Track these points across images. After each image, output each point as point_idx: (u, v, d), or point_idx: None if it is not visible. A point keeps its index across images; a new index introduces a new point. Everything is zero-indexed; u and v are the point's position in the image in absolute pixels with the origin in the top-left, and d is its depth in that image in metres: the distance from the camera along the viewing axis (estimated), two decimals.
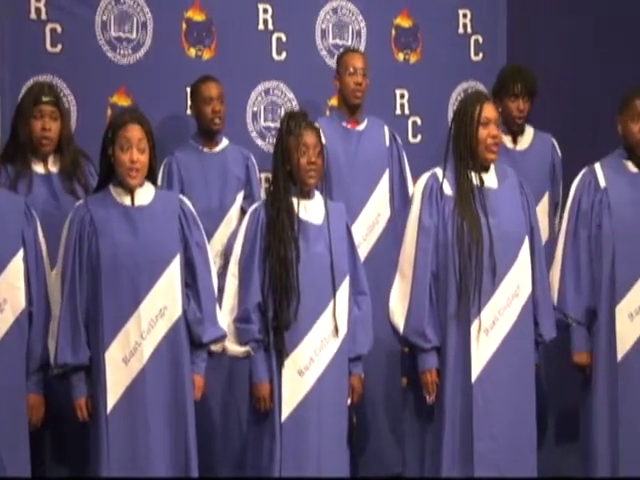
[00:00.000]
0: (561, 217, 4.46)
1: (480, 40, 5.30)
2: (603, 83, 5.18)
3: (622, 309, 3.94)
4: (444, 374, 3.72)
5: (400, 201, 4.63)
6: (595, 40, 5.36)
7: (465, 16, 5.28)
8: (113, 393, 3.47)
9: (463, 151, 3.74)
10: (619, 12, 5.40)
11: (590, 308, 4.00)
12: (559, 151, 4.76)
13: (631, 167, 4.05)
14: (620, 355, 3.94)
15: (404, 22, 5.19)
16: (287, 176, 3.70)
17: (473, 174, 3.75)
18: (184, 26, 4.80)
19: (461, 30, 5.28)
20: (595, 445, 3.96)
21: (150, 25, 4.73)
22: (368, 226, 4.62)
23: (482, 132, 3.72)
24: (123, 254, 3.48)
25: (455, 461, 3.71)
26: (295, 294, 3.62)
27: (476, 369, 3.69)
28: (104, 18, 4.66)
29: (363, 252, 4.53)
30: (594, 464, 3.97)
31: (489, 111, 3.73)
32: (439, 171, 3.79)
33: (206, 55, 4.83)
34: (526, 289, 3.76)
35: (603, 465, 3.95)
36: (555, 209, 4.75)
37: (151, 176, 3.58)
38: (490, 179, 3.80)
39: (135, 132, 3.50)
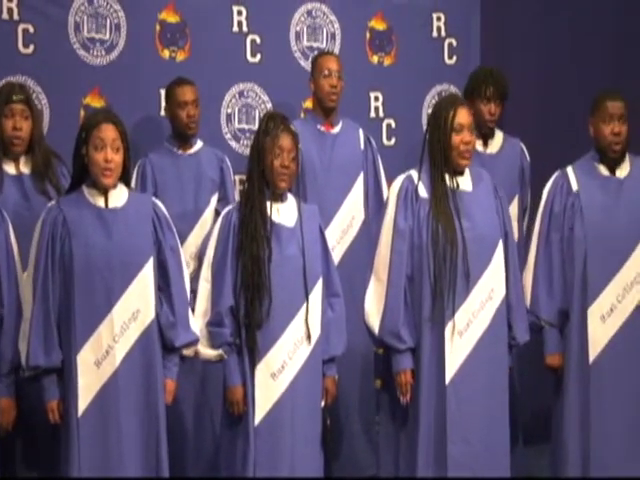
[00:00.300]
0: (529, 221, 4.50)
1: (454, 43, 5.32)
2: (575, 87, 5.21)
3: (594, 311, 3.97)
4: (418, 376, 3.73)
5: (375, 204, 4.63)
6: (567, 44, 5.39)
7: (439, 19, 5.29)
8: (84, 396, 3.45)
9: (437, 155, 3.75)
10: (591, 16, 5.43)
11: (562, 310, 4.03)
12: (527, 155, 4.79)
13: (603, 170, 4.08)
14: (592, 357, 3.97)
15: (378, 25, 5.20)
16: (261, 177, 3.69)
17: (448, 177, 3.76)
18: (158, 27, 4.78)
19: (435, 33, 5.29)
20: (566, 446, 3.98)
21: (124, 26, 4.71)
22: (342, 229, 4.63)
23: (455, 138, 3.73)
24: (96, 256, 3.46)
25: (429, 463, 3.72)
26: (267, 293, 3.61)
27: (450, 371, 3.71)
28: (77, 19, 4.64)
29: (337, 255, 4.53)
30: (565, 465, 3.99)
31: (462, 116, 3.74)
32: (414, 173, 3.80)
33: (180, 57, 4.82)
34: (500, 292, 3.78)
35: (573, 466, 3.98)
36: (523, 213, 4.78)
37: (125, 177, 3.57)
38: (465, 182, 3.82)
39: (109, 132, 3.48)
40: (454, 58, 5.32)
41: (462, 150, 3.73)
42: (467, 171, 3.83)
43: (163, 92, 4.68)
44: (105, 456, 3.46)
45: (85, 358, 3.46)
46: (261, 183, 3.69)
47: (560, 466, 4.03)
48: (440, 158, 3.74)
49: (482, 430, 3.72)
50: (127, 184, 3.60)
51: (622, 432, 3.96)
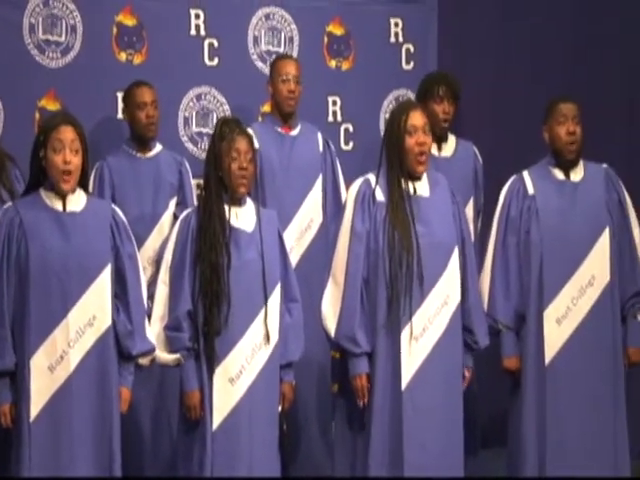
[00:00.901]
0: (482, 223, 4.53)
1: (411, 49, 5.34)
2: (530, 92, 5.27)
3: (550, 314, 4.01)
4: (373, 380, 3.74)
5: (333, 207, 4.64)
6: (523, 50, 5.44)
7: (397, 25, 5.31)
8: (37, 401, 3.41)
9: (393, 159, 3.77)
10: (547, 23, 5.49)
11: (519, 313, 4.06)
12: (480, 159, 4.84)
13: (558, 174, 4.13)
14: (548, 359, 4.01)
15: (336, 30, 5.21)
16: (219, 182, 3.68)
17: (405, 182, 3.78)
18: (115, 30, 4.75)
19: (393, 39, 5.32)
20: (523, 448, 4.01)
21: (80, 28, 4.67)
22: (301, 231, 4.63)
23: (409, 141, 3.75)
24: (53, 259, 3.43)
25: (384, 467, 3.72)
26: (226, 300, 3.60)
27: (406, 377, 3.72)
28: (32, 21, 4.59)
29: (295, 257, 4.54)
30: (522, 466, 4.02)
31: (416, 118, 3.76)
32: (372, 177, 3.82)
33: (137, 60, 4.79)
34: (455, 298, 3.80)
35: (530, 468, 4.00)
36: (477, 216, 4.82)
37: (83, 181, 3.53)
38: (422, 188, 3.83)
39: (68, 133, 3.45)
40: (411, 63, 5.34)
41: (417, 152, 3.74)
42: (425, 176, 3.84)
43: (120, 95, 4.65)
44: (56, 462, 3.42)
45: (39, 362, 3.42)
46: (219, 188, 3.68)
47: (517, 468, 4.05)
48: (396, 162, 3.76)
49: (438, 435, 3.74)
50: (85, 188, 3.57)
51: (578, 433, 4.00)
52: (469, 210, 4.71)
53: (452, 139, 4.79)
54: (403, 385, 3.71)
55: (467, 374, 3.86)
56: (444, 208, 3.84)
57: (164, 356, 3.65)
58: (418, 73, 5.21)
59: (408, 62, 5.35)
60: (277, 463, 3.73)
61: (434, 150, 4.69)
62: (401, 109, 3.82)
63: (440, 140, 4.73)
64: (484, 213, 4.78)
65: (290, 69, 4.64)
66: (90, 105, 4.57)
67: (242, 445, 3.63)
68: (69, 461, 3.43)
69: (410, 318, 3.70)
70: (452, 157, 4.75)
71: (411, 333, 3.71)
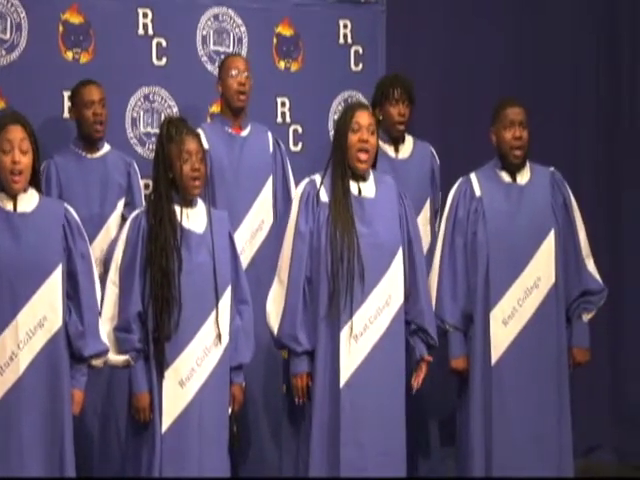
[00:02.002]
0: (439, 224, 4.57)
1: (360, 51, 5.36)
2: (479, 93, 5.32)
3: (496, 315, 4.07)
4: (314, 378, 3.77)
5: (283, 207, 4.63)
6: (473, 51, 5.49)
7: (346, 26, 5.33)
8: None
9: (338, 159, 3.81)
10: (494, 25, 5.55)
11: (466, 314, 4.11)
12: (437, 159, 4.87)
13: (504, 177, 4.18)
14: (494, 359, 4.06)
15: (285, 31, 5.20)
16: (169, 184, 3.66)
17: (351, 183, 3.81)
18: (61, 28, 4.69)
19: (342, 40, 5.33)
20: (471, 447, 4.06)
21: (25, 26, 4.61)
22: (251, 232, 4.62)
23: (352, 137, 3.78)
24: (3, 260, 3.37)
25: (323, 465, 3.74)
26: (177, 305, 3.59)
27: (345, 375, 3.75)
28: None
29: (246, 258, 4.53)
30: (470, 466, 4.06)
31: (360, 117, 3.80)
32: (317, 178, 3.85)
33: (84, 58, 4.74)
34: (398, 299, 3.82)
35: (477, 466, 4.05)
36: (435, 216, 4.85)
37: (35, 180, 3.48)
38: (368, 188, 3.86)
39: (17, 133, 3.40)
40: (360, 65, 5.36)
41: (357, 148, 3.77)
42: (371, 177, 3.87)
43: (66, 94, 4.60)
44: (6, 465, 3.37)
45: None
46: (169, 191, 3.65)
47: (465, 466, 4.09)
48: (341, 161, 3.80)
49: (375, 434, 3.76)
50: (37, 187, 3.52)
51: (523, 432, 4.04)
52: (426, 211, 4.75)
53: (409, 140, 4.81)
54: (342, 383, 3.74)
55: (424, 364, 3.87)
56: (389, 209, 3.87)
57: (113, 357, 3.62)
58: (367, 74, 5.24)
59: (357, 64, 5.37)
60: (227, 465, 3.72)
61: (391, 152, 4.74)
62: (347, 109, 3.89)
63: (397, 142, 4.75)
64: (442, 213, 4.81)
65: (239, 64, 4.63)
66: (36, 104, 4.51)
67: (191, 447, 3.61)
68: (19, 465, 3.38)
69: (351, 317, 3.74)
70: (409, 158, 4.77)
71: (351, 332, 3.74)
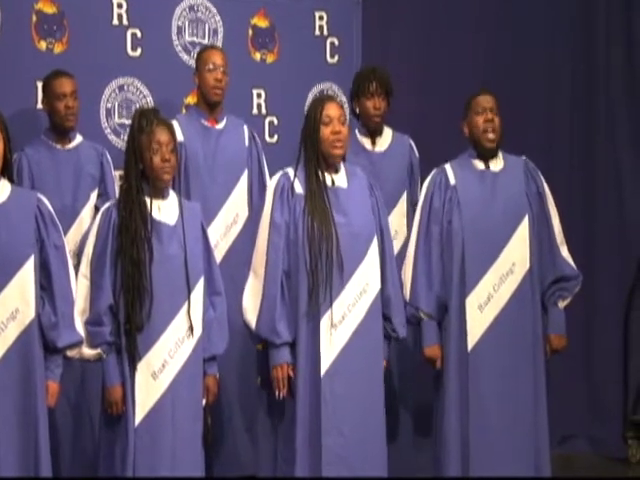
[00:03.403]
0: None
1: (336, 42, 5.36)
2: (454, 85, 5.33)
3: (472, 301, 4.08)
4: (296, 369, 3.77)
5: (259, 201, 4.61)
6: (448, 42, 5.50)
7: (321, 18, 5.32)
8: None
9: (311, 152, 3.82)
10: (472, 15, 5.56)
11: (441, 302, 4.12)
12: (416, 152, 4.88)
13: (479, 165, 4.20)
14: (470, 345, 4.07)
15: (261, 22, 5.19)
16: (140, 175, 3.64)
17: (323, 174, 3.83)
18: (34, 18, 4.66)
19: (317, 32, 5.33)
20: (447, 435, 4.06)
21: None
22: (226, 225, 4.61)
23: (324, 130, 3.80)
24: None
25: (306, 456, 3.75)
26: (148, 296, 3.58)
27: (325, 364, 3.76)
28: None
29: (221, 251, 4.52)
30: (445, 454, 4.06)
31: (330, 109, 3.82)
32: (291, 171, 3.86)
33: (57, 49, 4.71)
34: (375, 286, 3.84)
35: (454, 455, 4.05)
36: (413, 209, 4.85)
37: (6, 171, 3.46)
38: (340, 179, 3.88)
39: None
40: (336, 57, 5.36)
41: (332, 140, 3.79)
42: (342, 169, 3.90)
43: (40, 84, 4.56)
44: None
45: None
46: (139, 182, 3.64)
47: (441, 456, 4.09)
48: (313, 154, 3.81)
49: (356, 422, 3.78)
50: (9, 178, 3.49)
51: (499, 419, 4.05)
52: (403, 203, 4.75)
53: (388, 133, 4.80)
54: (322, 372, 3.74)
55: (384, 365, 3.90)
56: (362, 199, 3.89)
57: (85, 351, 3.60)
58: (342, 66, 5.24)
59: (332, 55, 5.37)
60: (201, 457, 3.71)
61: (368, 145, 4.74)
62: (316, 102, 3.90)
63: (374, 134, 4.75)
64: None
65: (216, 59, 4.61)
66: (9, 94, 4.48)
67: (165, 440, 3.60)
68: None
69: (330, 306, 3.75)
70: (387, 151, 4.76)
71: (331, 321, 3.75)
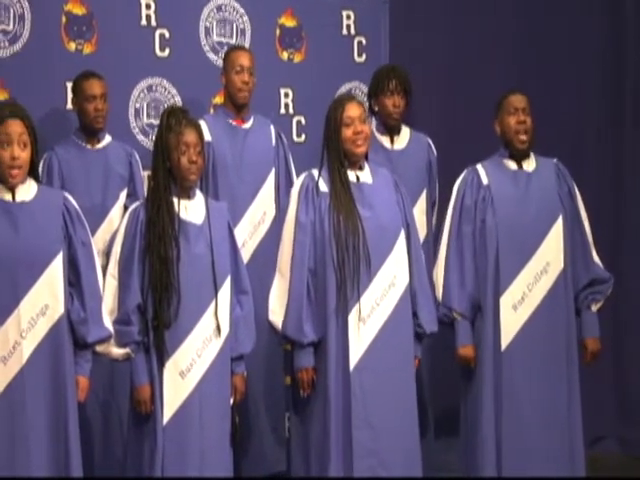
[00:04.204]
0: (438, 215, 4.57)
1: (363, 41, 5.36)
2: (482, 84, 5.31)
3: (506, 300, 4.06)
4: (326, 368, 3.77)
5: (286, 200, 4.61)
6: (476, 42, 5.48)
7: (349, 17, 5.33)
8: None
9: (334, 152, 3.84)
10: (499, 15, 5.53)
11: (474, 302, 4.10)
12: (435, 150, 4.87)
13: (511, 165, 4.18)
14: (504, 345, 4.05)
15: (288, 22, 5.20)
16: (167, 174, 3.66)
17: (349, 172, 3.85)
18: (64, 19, 4.69)
19: (345, 31, 5.33)
20: (482, 435, 4.03)
21: (28, 17, 4.60)
22: (254, 224, 4.62)
23: (346, 132, 3.82)
24: (3, 250, 3.38)
25: (339, 452, 3.75)
26: (176, 294, 3.59)
27: (354, 358, 3.76)
28: None
29: (249, 250, 4.54)
30: (482, 456, 4.04)
31: (351, 110, 3.83)
32: (315, 171, 3.89)
33: (87, 49, 4.73)
34: (403, 280, 3.84)
35: (488, 455, 4.03)
36: (432, 207, 4.85)
37: (33, 172, 3.49)
38: (365, 176, 3.90)
39: (15, 127, 3.40)
40: (363, 56, 5.36)
41: (354, 139, 3.81)
42: (367, 166, 3.91)
43: (69, 85, 4.59)
44: (11, 454, 3.38)
45: None
46: (167, 181, 3.65)
47: (475, 456, 4.07)
48: (336, 154, 3.83)
49: (386, 415, 3.78)
50: (36, 179, 3.52)
51: (534, 418, 4.03)
52: (422, 202, 4.75)
53: (406, 131, 4.81)
54: (351, 366, 3.75)
55: (415, 363, 3.89)
56: (387, 194, 3.90)
57: (114, 350, 3.62)
58: (370, 65, 5.23)
59: (360, 54, 5.36)
60: (229, 456, 3.72)
61: (387, 143, 4.74)
62: (336, 103, 3.91)
63: (393, 133, 4.75)
64: (439, 205, 4.81)
65: (244, 60, 4.62)
66: (39, 95, 4.50)
67: (193, 439, 3.61)
68: (24, 451, 3.39)
69: (358, 301, 3.75)
70: (405, 149, 4.77)
71: (359, 315, 3.75)
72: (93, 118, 4.43)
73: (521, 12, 5.57)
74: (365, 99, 4.95)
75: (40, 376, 3.42)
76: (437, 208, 4.83)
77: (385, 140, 4.74)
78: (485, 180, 4.14)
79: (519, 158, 4.16)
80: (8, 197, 3.45)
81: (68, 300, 3.48)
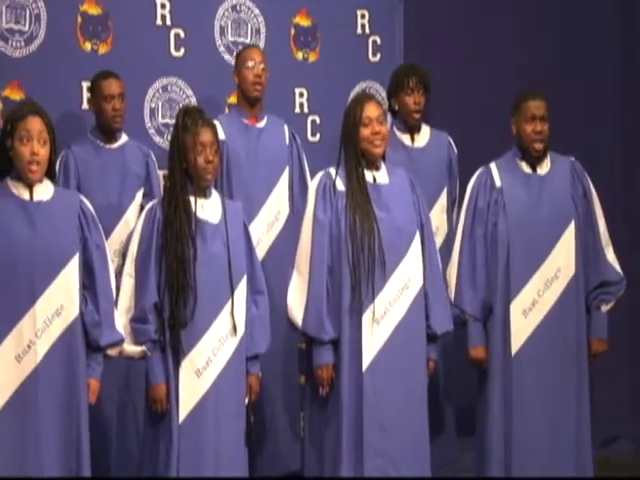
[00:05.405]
0: (458, 213, 4.57)
1: (378, 41, 5.36)
2: (497, 84, 5.30)
3: (516, 306, 4.06)
4: (340, 366, 3.78)
5: (300, 199, 4.63)
6: (490, 40, 5.47)
7: (363, 17, 5.32)
8: (3, 391, 3.38)
9: (351, 151, 3.84)
10: (515, 13, 5.52)
11: (486, 304, 4.10)
12: (455, 148, 4.86)
13: (524, 167, 4.17)
14: (514, 350, 4.05)
15: (303, 21, 5.20)
16: (183, 174, 3.67)
17: (365, 172, 3.85)
18: (79, 19, 4.70)
19: (359, 30, 5.32)
20: (490, 437, 4.04)
21: (44, 17, 4.61)
22: (268, 223, 4.62)
23: (364, 132, 3.82)
24: (20, 249, 3.39)
25: (351, 452, 3.76)
26: (192, 293, 3.59)
27: (367, 358, 3.77)
28: None
29: (263, 249, 4.54)
30: (488, 456, 4.05)
31: (370, 110, 3.83)
32: (332, 170, 3.89)
33: (102, 49, 4.74)
34: (417, 282, 3.85)
35: (496, 457, 4.03)
36: (452, 205, 4.84)
37: (50, 172, 3.50)
38: (381, 176, 3.90)
39: (35, 124, 3.42)
40: (378, 55, 5.36)
41: (372, 139, 3.81)
42: (383, 166, 3.91)
43: (85, 85, 4.60)
44: (22, 454, 3.40)
45: (5, 352, 3.39)
46: (183, 180, 3.66)
47: (484, 457, 4.08)
48: (354, 153, 3.83)
49: (397, 416, 3.78)
50: (52, 179, 3.53)
51: (542, 423, 4.03)
52: (443, 200, 4.74)
53: (426, 130, 4.81)
54: (364, 366, 3.76)
55: (430, 366, 3.89)
56: (404, 195, 3.90)
57: (130, 348, 3.63)
58: (385, 65, 5.23)
59: (375, 54, 5.36)
60: (244, 455, 3.73)
61: (407, 141, 4.74)
62: (355, 102, 3.90)
63: (413, 131, 4.75)
64: (460, 203, 4.80)
65: (255, 56, 4.63)
66: (54, 95, 4.50)
67: (209, 438, 3.62)
68: (35, 451, 3.40)
69: (372, 302, 3.76)
70: (426, 147, 4.77)
71: (373, 316, 3.75)
72: (111, 118, 4.44)
73: (537, 10, 5.55)
74: (380, 98, 4.95)
75: (53, 376, 3.43)
76: (458, 207, 4.83)
77: (405, 138, 4.74)
78: (498, 182, 4.13)
79: (533, 161, 4.14)
80: (26, 195, 3.46)
81: (82, 302, 3.49)
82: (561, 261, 4.07)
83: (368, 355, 3.76)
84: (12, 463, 3.38)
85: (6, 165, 3.47)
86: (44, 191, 3.49)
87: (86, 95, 4.60)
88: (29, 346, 3.41)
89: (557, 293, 4.07)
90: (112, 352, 3.59)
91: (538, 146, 4.10)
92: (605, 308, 4.16)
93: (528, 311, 4.06)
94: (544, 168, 4.17)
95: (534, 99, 4.12)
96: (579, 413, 4.08)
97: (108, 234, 4.25)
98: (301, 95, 5.18)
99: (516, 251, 4.05)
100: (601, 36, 5.60)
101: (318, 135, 5.23)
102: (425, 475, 3.84)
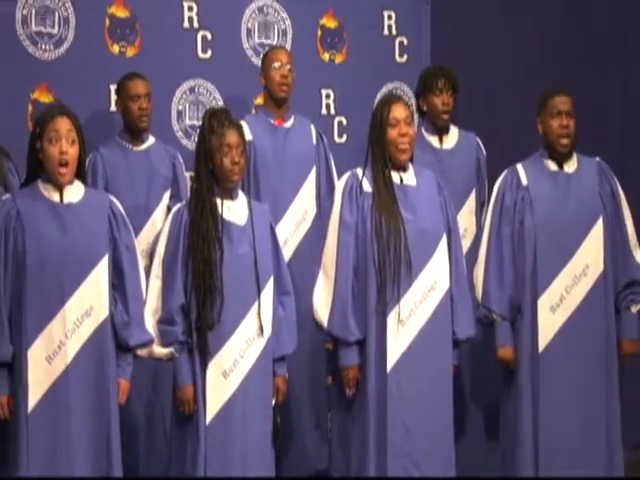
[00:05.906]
0: (485, 213, 4.55)
1: (405, 42, 5.35)
2: (524, 84, 5.28)
3: (544, 302, 4.04)
4: (366, 368, 3.78)
5: (327, 199, 4.63)
6: (518, 41, 5.45)
7: (390, 18, 5.32)
8: (34, 392, 3.41)
9: (378, 152, 3.84)
10: (541, 14, 5.49)
11: (513, 303, 4.08)
12: (484, 150, 4.84)
13: (551, 166, 4.16)
14: (541, 347, 4.03)
15: (330, 22, 5.20)
16: (210, 175, 3.68)
17: (393, 173, 3.85)
18: (107, 22, 4.73)
19: (386, 31, 5.32)
20: (519, 437, 4.02)
21: (72, 20, 4.65)
22: (295, 223, 4.63)
23: (391, 133, 3.82)
24: (50, 251, 3.42)
25: (375, 453, 3.76)
26: (219, 294, 3.60)
27: (391, 359, 3.77)
28: (25, 12, 4.57)
29: (290, 249, 4.55)
30: (519, 456, 4.02)
31: (397, 111, 3.83)
32: (359, 170, 3.89)
33: (130, 52, 4.77)
34: (443, 284, 3.84)
35: (526, 456, 4.01)
36: (481, 207, 4.82)
37: (80, 173, 3.53)
38: (408, 178, 3.90)
39: (64, 124, 3.45)
40: (405, 56, 5.35)
41: (398, 143, 3.81)
42: (410, 168, 3.91)
43: (113, 87, 4.64)
44: (53, 454, 3.43)
45: (36, 353, 3.42)
46: (210, 182, 3.67)
47: (513, 458, 4.06)
48: (381, 154, 3.83)
49: (421, 418, 3.78)
50: (83, 180, 3.56)
51: (571, 421, 4.01)
52: (471, 201, 4.73)
53: (454, 131, 4.79)
54: (389, 367, 3.76)
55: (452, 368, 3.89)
56: (431, 197, 3.90)
57: (157, 350, 3.65)
58: (411, 66, 5.22)
59: (401, 55, 5.35)
60: (271, 456, 3.73)
61: (436, 143, 4.73)
62: (383, 103, 3.90)
63: (441, 132, 4.74)
64: (488, 204, 4.78)
65: (282, 57, 4.65)
66: (83, 97, 4.54)
67: (236, 438, 3.63)
68: (67, 451, 3.43)
69: (398, 303, 3.76)
70: (454, 149, 4.75)
71: (398, 317, 3.75)
72: (138, 117, 4.46)
73: (566, 11, 5.52)
74: (408, 99, 4.94)
75: (83, 377, 3.46)
76: (486, 208, 4.81)
77: (434, 140, 4.72)
78: (524, 181, 4.12)
79: (560, 159, 4.13)
80: (56, 197, 3.49)
81: (112, 303, 3.51)
82: (589, 257, 4.06)
83: (393, 356, 3.77)
84: (43, 463, 3.41)
85: (37, 168, 3.50)
86: (74, 192, 3.52)
87: (114, 97, 4.63)
88: (59, 347, 3.44)
89: (585, 289, 4.05)
90: (142, 352, 3.61)
91: (565, 141, 4.08)
92: (635, 308, 4.14)
93: (556, 307, 4.04)
94: (571, 166, 4.16)
95: (559, 95, 4.12)
96: (609, 411, 4.05)
97: (135, 235, 4.25)
98: (327, 96, 5.19)
99: (543, 247, 4.04)
100: (633, 33, 5.56)
101: (345, 136, 5.23)
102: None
